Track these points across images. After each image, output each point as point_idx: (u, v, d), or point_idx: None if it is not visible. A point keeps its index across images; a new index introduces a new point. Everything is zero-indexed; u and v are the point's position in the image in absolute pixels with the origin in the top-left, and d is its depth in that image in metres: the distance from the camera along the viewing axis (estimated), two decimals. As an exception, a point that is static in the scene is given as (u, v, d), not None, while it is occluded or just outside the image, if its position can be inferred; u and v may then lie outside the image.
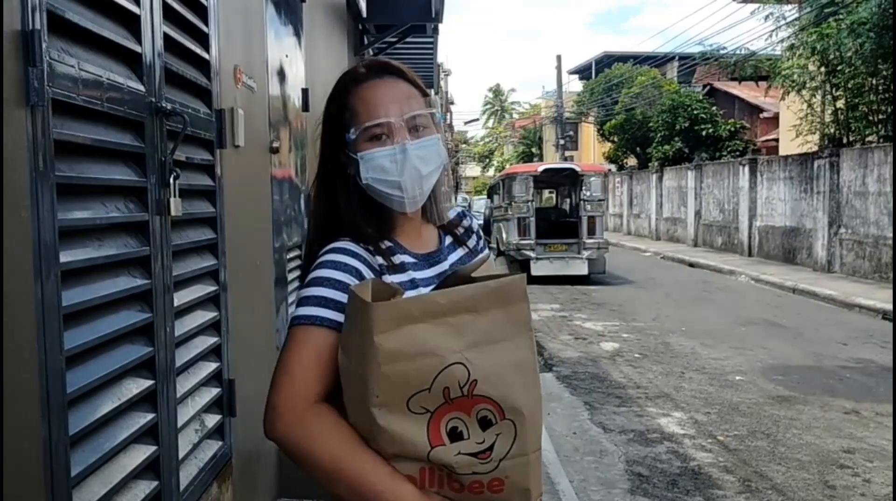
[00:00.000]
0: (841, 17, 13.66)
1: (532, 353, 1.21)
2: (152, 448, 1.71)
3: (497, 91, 67.37)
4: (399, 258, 1.37)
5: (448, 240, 1.49)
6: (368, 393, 1.20)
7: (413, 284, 1.34)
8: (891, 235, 12.19)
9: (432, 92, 1.41)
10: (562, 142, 34.95)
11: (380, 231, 1.39)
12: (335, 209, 1.40)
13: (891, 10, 12.51)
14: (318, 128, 1.45)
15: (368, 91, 1.36)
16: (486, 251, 1.32)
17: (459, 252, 1.49)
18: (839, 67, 14.05)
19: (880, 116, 14.19)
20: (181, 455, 1.92)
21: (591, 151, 37.62)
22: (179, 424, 1.92)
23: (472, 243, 1.52)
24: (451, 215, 1.52)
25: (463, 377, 1.18)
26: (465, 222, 1.54)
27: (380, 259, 1.34)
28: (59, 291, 1.31)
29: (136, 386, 1.65)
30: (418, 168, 1.34)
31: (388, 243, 1.38)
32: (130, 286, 1.63)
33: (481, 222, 18.50)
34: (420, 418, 1.19)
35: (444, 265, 1.43)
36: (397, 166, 1.33)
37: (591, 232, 13.93)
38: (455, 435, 1.20)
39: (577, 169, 14.63)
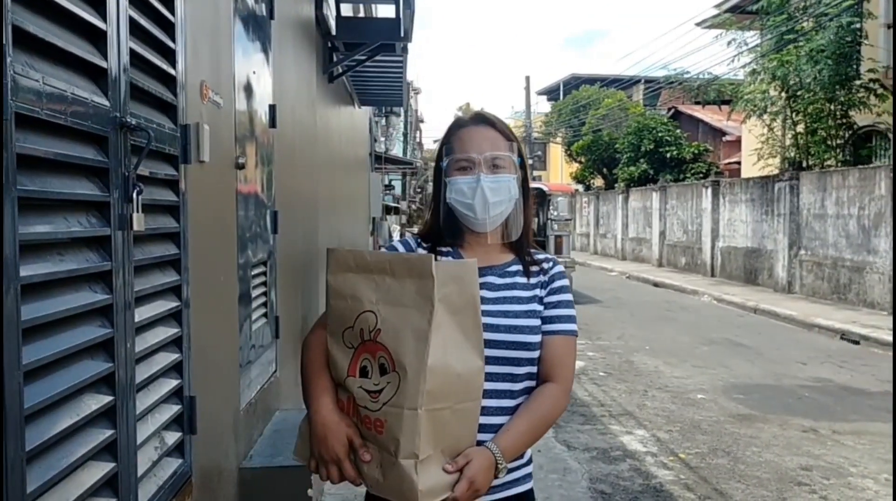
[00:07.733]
0: (800, 44, 14.04)
1: (428, 325, 1.44)
2: (111, 465, 1.69)
3: (466, 110, 67.91)
4: (447, 259, 1.76)
5: (517, 267, 1.79)
6: (327, 322, 1.61)
7: None
8: (848, 256, 12.49)
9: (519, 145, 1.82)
10: (530, 162, 35.24)
11: (449, 239, 1.81)
12: (432, 217, 1.85)
13: (847, 39, 12.90)
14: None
15: (464, 133, 1.78)
16: (473, 259, 1.59)
17: (518, 278, 1.78)
18: (799, 93, 14.42)
19: (838, 141, 14.58)
20: (140, 472, 1.90)
21: (559, 171, 38.03)
22: (139, 441, 1.90)
23: (535, 280, 1.77)
24: (539, 256, 1.83)
25: (372, 324, 1.50)
26: (545, 266, 1.81)
27: (423, 253, 1.71)
28: (19, 305, 1.30)
29: (94, 402, 1.64)
30: (487, 197, 1.71)
31: (447, 248, 1.80)
32: (91, 301, 1.62)
33: None
34: (348, 351, 1.55)
35: (495, 279, 1.75)
36: (472, 192, 1.72)
37: (558, 251, 14.02)
38: (363, 372, 1.52)
39: (545, 189, 14.76)
